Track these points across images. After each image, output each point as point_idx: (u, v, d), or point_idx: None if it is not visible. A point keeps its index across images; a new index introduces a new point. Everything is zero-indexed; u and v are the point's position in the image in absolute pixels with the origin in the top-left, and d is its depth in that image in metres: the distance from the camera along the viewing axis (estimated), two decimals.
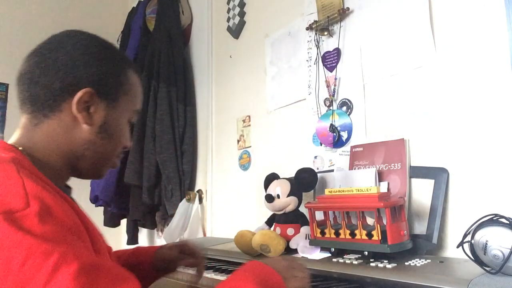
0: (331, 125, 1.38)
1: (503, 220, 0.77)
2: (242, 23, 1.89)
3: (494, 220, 0.78)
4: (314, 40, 1.49)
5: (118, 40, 2.58)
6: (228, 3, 1.98)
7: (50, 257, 0.52)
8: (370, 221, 1.10)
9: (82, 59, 0.72)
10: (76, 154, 0.74)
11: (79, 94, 0.70)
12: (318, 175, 1.27)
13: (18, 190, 0.57)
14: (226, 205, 1.91)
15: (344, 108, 1.38)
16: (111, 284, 0.55)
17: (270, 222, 1.30)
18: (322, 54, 1.47)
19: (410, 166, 1.16)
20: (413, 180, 1.15)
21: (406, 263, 0.92)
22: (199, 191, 2.05)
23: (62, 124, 0.71)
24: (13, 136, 0.74)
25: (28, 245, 0.52)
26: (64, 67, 0.71)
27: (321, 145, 1.45)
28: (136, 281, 0.59)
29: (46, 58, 0.72)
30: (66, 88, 0.71)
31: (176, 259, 0.99)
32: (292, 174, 1.29)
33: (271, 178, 1.33)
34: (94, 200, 2.18)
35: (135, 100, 0.81)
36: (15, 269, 0.51)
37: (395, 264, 0.91)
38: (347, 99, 1.37)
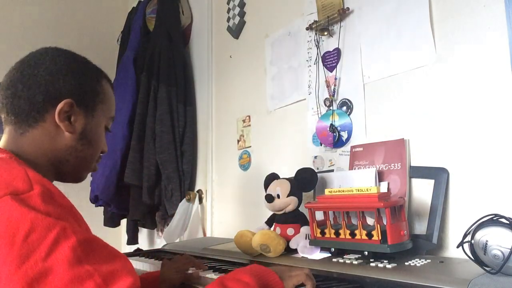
0: (331, 125, 1.38)
1: (503, 220, 0.77)
2: (242, 23, 1.89)
3: (494, 220, 0.78)
4: (314, 40, 1.49)
5: (118, 40, 2.58)
6: (228, 3, 1.98)
7: (52, 230, 0.59)
8: (370, 221, 1.10)
9: (61, 73, 0.79)
10: (60, 159, 0.81)
11: (60, 105, 0.78)
12: (318, 175, 1.27)
13: (22, 176, 0.65)
14: (226, 205, 1.91)
15: (344, 108, 1.38)
16: (104, 258, 0.62)
17: (270, 222, 1.30)
18: (322, 54, 1.47)
19: (410, 166, 1.16)
20: (413, 180, 1.15)
21: (406, 263, 0.92)
22: (199, 191, 2.05)
23: (46, 132, 0.78)
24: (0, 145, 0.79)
25: (32, 219, 0.59)
26: (45, 81, 0.78)
27: (321, 145, 1.45)
28: (127, 260, 0.66)
29: (27, 74, 0.79)
30: (48, 100, 0.78)
31: (181, 279, 1.06)
32: (292, 174, 1.29)
33: (271, 178, 1.33)
34: (94, 200, 2.18)
35: (110, 107, 0.89)
36: (20, 241, 0.57)
37: (395, 264, 0.91)
38: (347, 99, 1.37)
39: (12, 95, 0.78)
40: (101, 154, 0.90)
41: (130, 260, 1.39)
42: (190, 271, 1.07)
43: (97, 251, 0.63)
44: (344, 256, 1.04)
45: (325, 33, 1.44)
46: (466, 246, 0.79)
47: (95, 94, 0.84)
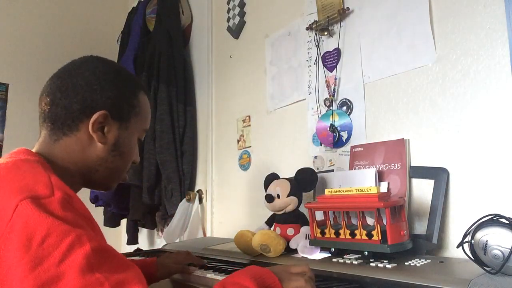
0: (331, 125, 1.38)
1: (503, 220, 0.77)
2: (242, 23, 1.89)
3: (494, 220, 0.78)
4: (314, 40, 1.49)
5: (118, 40, 2.58)
6: (228, 3, 1.98)
7: (67, 237, 0.59)
8: (370, 221, 1.10)
9: (99, 84, 0.80)
10: (90, 169, 0.82)
11: (95, 116, 0.79)
12: (318, 175, 1.27)
13: (45, 181, 0.66)
14: (226, 205, 1.91)
15: (344, 108, 1.38)
16: (116, 268, 0.63)
17: (270, 222, 1.30)
18: (322, 54, 1.47)
19: (410, 166, 1.16)
20: (413, 180, 1.15)
21: (406, 263, 0.92)
22: (199, 191, 2.05)
23: (79, 142, 0.80)
24: (34, 148, 0.81)
25: (49, 225, 0.59)
26: (83, 91, 0.79)
27: (321, 145, 1.45)
28: (139, 270, 0.66)
29: (66, 82, 0.80)
30: (83, 110, 0.79)
31: (178, 268, 1.10)
32: (292, 174, 1.29)
33: (271, 178, 1.33)
34: (94, 200, 2.18)
35: (144, 120, 0.89)
36: (35, 245, 0.58)
37: (395, 264, 0.91)
38: (347, 99, 1.37)
39: (51, 102, 0.79)
40: (132, 165, 0.91)
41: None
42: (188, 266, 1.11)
43: (109, 260, 0.63)
44: (344, 256, 1.04)
45: (325, 33, 1.44)
46: (466, 246, 0.79)
47: (131, 107, 0.84)
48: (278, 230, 1.23)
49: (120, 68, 0.87)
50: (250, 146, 1.79)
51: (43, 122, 0.81)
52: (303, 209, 1.22)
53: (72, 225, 0.61)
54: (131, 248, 1.87)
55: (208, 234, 1.98)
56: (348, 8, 1.38)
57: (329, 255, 1.08)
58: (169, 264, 1.10)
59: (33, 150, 0.80)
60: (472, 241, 0.78)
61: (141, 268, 1.03)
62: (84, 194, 2.22)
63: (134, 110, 0.85)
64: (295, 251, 1.16)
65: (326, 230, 1.08)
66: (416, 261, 0.94)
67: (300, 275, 0.78)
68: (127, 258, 1.05)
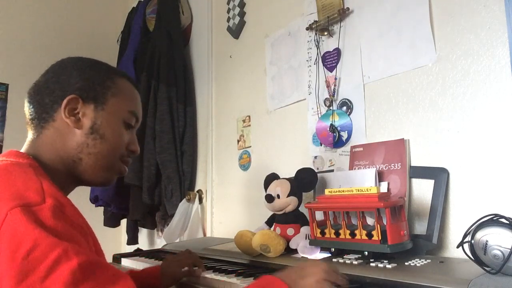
0: (331, 125, 1.38)
1: (503, 220, 0.77)
2: (242, 23, 1.89)
3: (494, 220, 0.78)
4: (314, 40, 1.49)
5: (118, 40, 2.58)
6: (228, 3, 1.98)
7: (53, 251, 0.58)
8: (370, 221, 1.10)
9: (67, 73, 0.83)
10: (73, 157, 0.81)
11: (65, 101, 0.80)
12: (318, 175, 1.27)
13: (36, 188, 0.65)
14: (226, 205, 1.91)
15: (344, 108, 1.38)
16: (106, 281, 0.61)
17: (270, 222, 1.30)
18: (322, 54, 1.47)
19: (410, 166, 1.16)
20: (413, 180, 1.15)
21: (406, 263, 0.92)
22: (199, 191, 2.05)
23: (57, 131, 0.81)
24: (22, 148, 0.82)
25: (36, 236, 0.58)
26: (52, 84, 0.82)
27: (321, 145, 1.45)
28: (131, 281, 0.64)
29: (39, 81, 0.84)
30: (54, 99, 0.81)
31: (183, 274, 1.07)
32: (292, 174, 1.29)
33: (271, 178, 1.33)
34: (94, 200, 2.18)
35: (127, 102, 0.87)
36: (20, 257, 0.57)
37: (395, 264, 0.91)
38: (347, 99, 1.37)
39: (28, 103, 0.83)
40: (130, 155, 0.90)
41: (130, 260, 1.40)
42: (194, 268, 1.08)
43: (98, 273, 0.61)
44: (344, 256, 1.04)
45: (325, 33, 1.44)
46: (466, 246, 0.79)
47: (105, 87, 0.84)
48: (278, 230, 1.23)
49: (96, 60, 0.88)
50: (250, 146, 1.79)
51: (26, 125, 0.84)
52: (303, 209, 1.22)
53: (60, 237, 0.60)
54: (131, 248, 1.87)
55: (208, 234, 1.98)
56: (348, 8, 1.38)
57: (329, 255, 1.08)
58: (174, 270, 1.07)
59: (21, 150, 0.81)
60: (472, 241, 0.78)
61: (143, 279, 1.02)
62: (84, 195, 2.22)
63: (110, 91, 0.84)
64: (295, 251, 1.16)
65: (326, 230, 1.08)
66: (416, 261, 0.94)
67: (312, 281, 0.74)
68: (129, 256, 1.04)
